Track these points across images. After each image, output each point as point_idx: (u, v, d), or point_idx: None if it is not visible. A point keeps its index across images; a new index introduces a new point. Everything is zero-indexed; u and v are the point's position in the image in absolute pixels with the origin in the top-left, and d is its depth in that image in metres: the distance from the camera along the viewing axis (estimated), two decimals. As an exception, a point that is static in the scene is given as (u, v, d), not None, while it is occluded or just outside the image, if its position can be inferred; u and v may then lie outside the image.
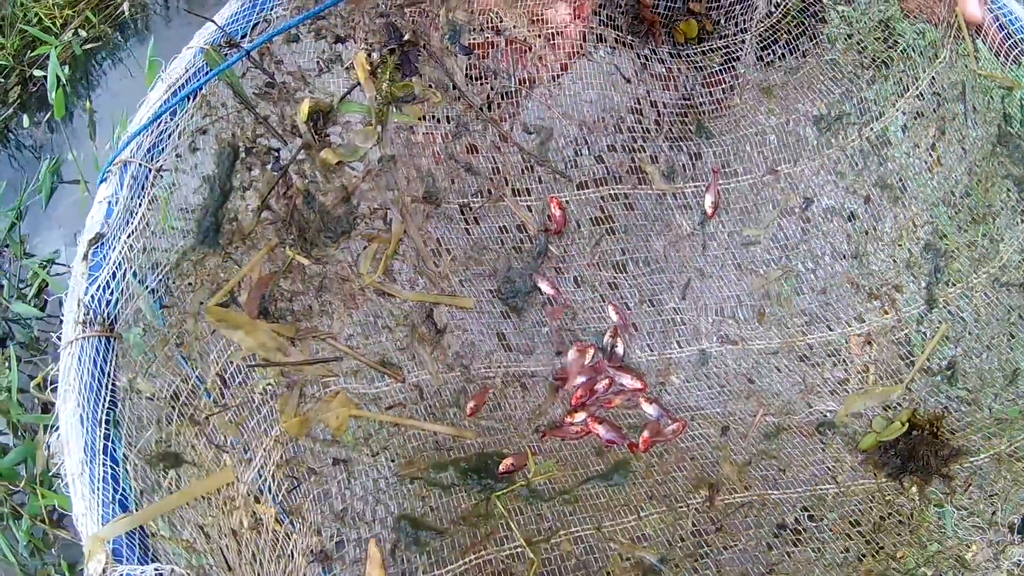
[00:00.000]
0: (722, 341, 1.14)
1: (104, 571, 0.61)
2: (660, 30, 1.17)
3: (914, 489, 0.96)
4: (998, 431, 0.97)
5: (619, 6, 1.14)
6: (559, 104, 1.16)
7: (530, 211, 1.14)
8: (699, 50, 1.20)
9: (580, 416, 1.04)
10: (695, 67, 1.20)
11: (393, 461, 0.94)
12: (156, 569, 0.62)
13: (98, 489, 0.66)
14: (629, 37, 1.17)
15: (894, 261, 1.14)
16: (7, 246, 2.28)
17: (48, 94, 2.44)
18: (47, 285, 2.17)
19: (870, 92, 1.16)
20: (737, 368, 1.12)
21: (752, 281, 1.17)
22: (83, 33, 2.59)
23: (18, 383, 1.94)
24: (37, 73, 2.52)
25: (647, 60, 1.18)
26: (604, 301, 1.16)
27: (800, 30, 1.18)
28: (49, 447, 0.72)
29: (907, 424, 0.99)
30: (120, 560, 0.62)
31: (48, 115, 2.45)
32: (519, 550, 0.87)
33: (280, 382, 0.90)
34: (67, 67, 2.56)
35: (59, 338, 0.74)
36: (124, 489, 0.67)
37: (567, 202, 1.15)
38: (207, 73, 0.86)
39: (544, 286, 1.12)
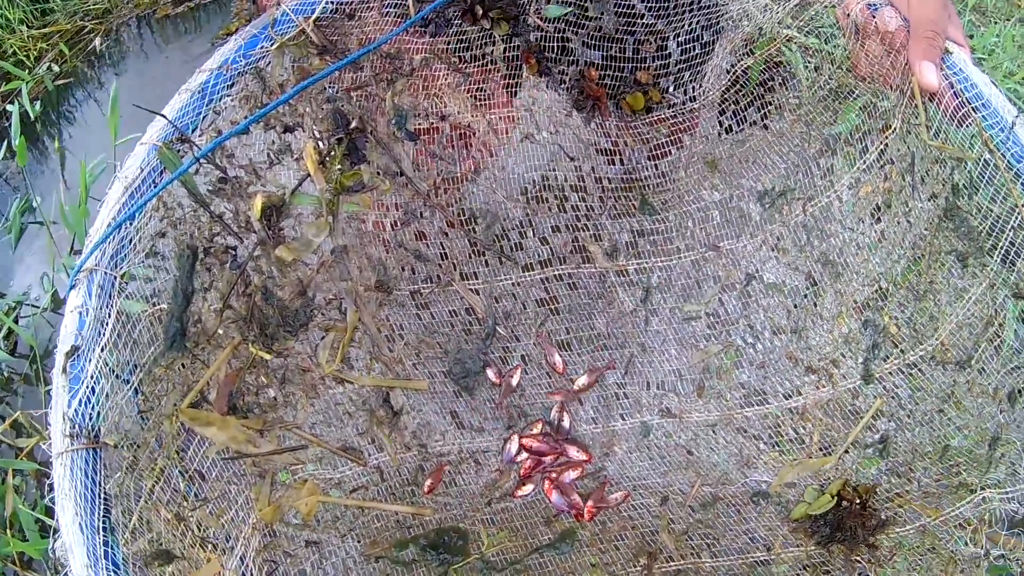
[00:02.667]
0: (663, 414, 1.21)
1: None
2: (606, 103, 1.23)
3: (839, 557, 1.02)
4: (925, 504, 1.02)
5: (562, 83, 1.20)
6: (504, 187, 1.22)
7: (478, 294, 1.21)
8: (646, 120, 1.24)
9: (528, 488, 1.13)
10: (641, 139, 1.25)
11: (359, 541, 1.02)
12: None
13: (104, 592, 0.71)
14: (575, 113, 1.22)
15: (833, 336, 1.18)
16: (-26, 288, 2.25)
17: (12, 140, 2.46)
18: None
19: (815, 166, 1.20)
20: (677, 440, 1.19)
21: (692, 356, 1.23)
22: (56, 68, 2.62)
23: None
24: (8, 107, 2.52)
25: (593, 134, 1.23)
26: (550, 377, 1.23)
27: (748, 100, 1.22)
28: (54, 552, 0.76)
29: (836, 496, 1.05)
30: None
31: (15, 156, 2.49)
32: None
33: (253, 471, 0.97)
34: (39, 102, 2.61)
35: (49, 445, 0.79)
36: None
37: (515, 284, 1.23)
38: (161, 171, 0.91)
39: (490, 374, 1.20)
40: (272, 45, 0.98)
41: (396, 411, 1.13)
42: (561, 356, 1.23)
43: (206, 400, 0.95)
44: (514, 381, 1.21)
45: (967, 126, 0.99)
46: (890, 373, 1.13)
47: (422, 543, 1.03)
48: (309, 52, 1.02)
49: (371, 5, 1.06)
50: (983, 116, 0.97)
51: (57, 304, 2.29)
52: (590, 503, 1.11)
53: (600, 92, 1.21)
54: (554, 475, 1.14)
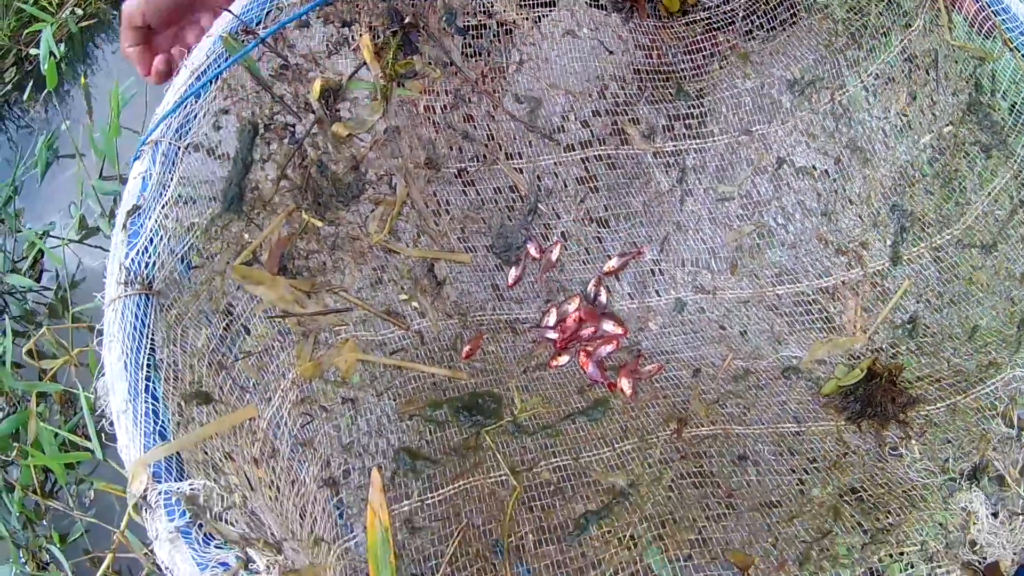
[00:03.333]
0: (697, 290, 1.24)
1: (145, 490, 0.71)
2: (644, 4, 1.26)
3: (871, 432, 1.03)
4: (955, 383, 1.03)
5: None
6: (547, 76, 1.25)
7: (521, 173, 1.25)
8: (682, 22, 1.27)
9: (564, 359, 1.16)
10: (677, 38, 1.27)
11: (395, 400, 1.06)
12: (190, 485, 0.72)
13: (140, 423, 0.75)
14: (614, 14, 1.25)
15: (861, 219, 1.20)
16: (2, 220, 2.35)
17: (41, 66, 2.48)
18: (42, 256, 2.23)
19: (842, 58, 1.22)
20: (710, 315, 1.22)
21: (726, 235, 1.26)
22: (79, 11, 2.60)
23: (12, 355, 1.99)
24: (33, 52, 2.55)
25: (632, 32, 1.26)
26: (588, 253, 1.26)
27: (778, 0, 1.24)
28: (96, 391, 0.80)
29: (867, 372, 1.06)
30: (159, 480, 0.72)
31: (44, 92, 2.51)
32: (504, 478, 0.99)
33: (297, 331, 1.01)
34: (63, 45, 2.61)
35: (102, 296, 0.83)
36: (163, 422, 0.77)
37: (557, 164, 1.26)
38: (227, 59, 0.95)
39: (531, 248, 1.23)
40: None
41: (440, 281, 1.17)
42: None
43: (258, 261, 0.99)
44: (554, 256, 1.24)
45: (985, 32, 1.02)
46: (918, 256, 1.14)
47: (456, 405, 1.06)
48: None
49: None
50: (1003, 20, 1.00)
51: (84, 230, 2.30)
52: (624, 377, 1.13)
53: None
54: (590, 348, 1.17)
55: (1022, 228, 1.05)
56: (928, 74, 1.14)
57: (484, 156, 1.23)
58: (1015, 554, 0.84)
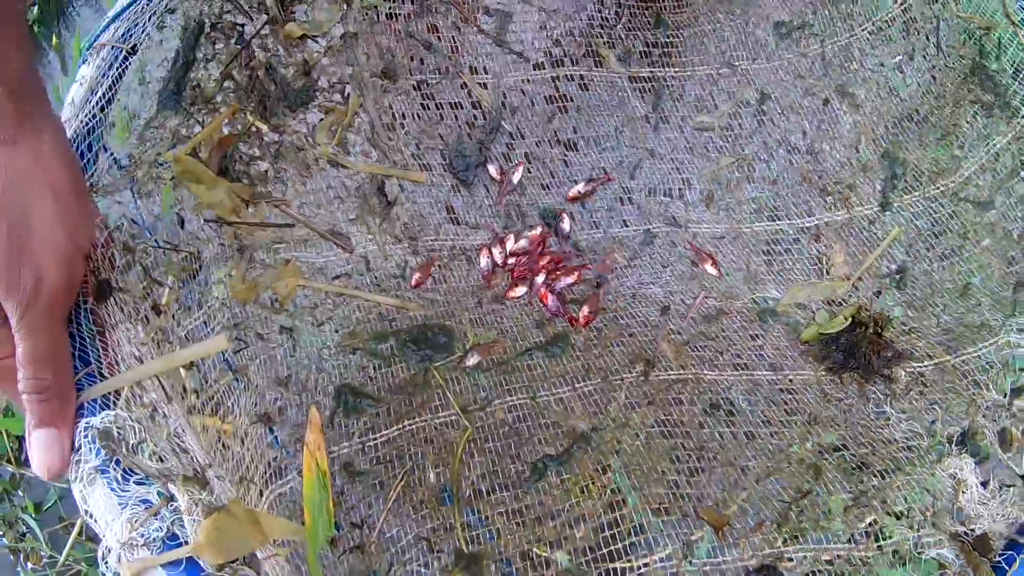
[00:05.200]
0: (668, 223, 1.18)
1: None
2: None
3: (854, 386, 0.98)
4: (945, 341, 1.00)
5: None
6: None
7: (485, 88, 1.17)
8: None
9: (520, 290, 1.08)
10: None
11: (337, 332, 0.98)
12: (103, 418, 0.68)
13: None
14: None
15: (850, 162, 1.18)
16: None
17: None
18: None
19: (835, 10, 1.20)
20: (681, 251, 1.15)
21: (703, 165, 1.21)
22: None
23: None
24: None
25: None
26: (553, 177, 1.19)
27: None
28: None
29: (851, 320, 1.01)
30: (82, 415, 0.69)
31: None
32: (454, 418, 0.91)
33: (232, 245, 0.93)
34: (35, 8, 2.55)
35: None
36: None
37: (525, 80, 1.19)
38: None
39: (491, 169, 1.16)
40: None
41: (390, 201, 1.08)
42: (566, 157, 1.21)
43: (197, 158, 0.92)
44: (515, 178, 1.16)
45: None
46: (910, 204, 1.13)
47: (404, 338, 0.97)
48: None
49: None
50: None
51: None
52: (586, 309, 1.06)
53: None
54: (550, 279, 1.09)
55: (1021, 189, 1.04)
56: (928, 39, 1.13)
57: (447, 68, 1.16)
58: (1006, 527, 0.81)
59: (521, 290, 1.08)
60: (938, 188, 1.11)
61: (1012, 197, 1.06)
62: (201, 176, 0.90)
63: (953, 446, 0.88)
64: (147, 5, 0.89)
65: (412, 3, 1.13)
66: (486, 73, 1.19)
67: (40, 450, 0.67)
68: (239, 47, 0.98)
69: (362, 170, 1.06)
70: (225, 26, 0.97)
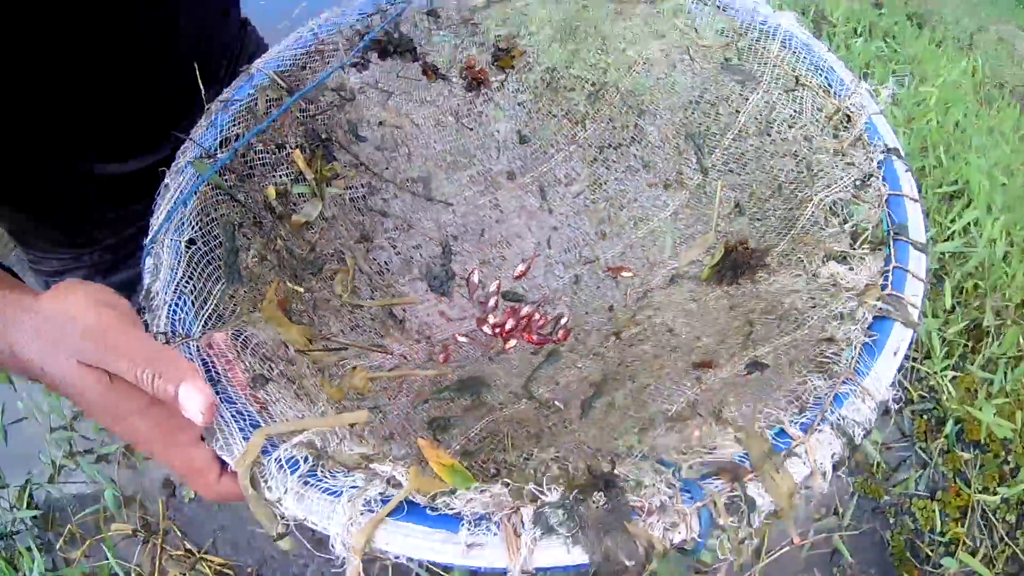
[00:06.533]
0: (585, 262, 1.53)
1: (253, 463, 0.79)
2: (490, 85, 1.60)
3: (748, 284, 1.24)
4: (783, 226, 1.26)
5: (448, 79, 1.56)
6: (432, 158, 1.58)
7: (436, 229, 1.55)
8: None
9: (512, 342, 1.42)
10: None
11: (407, 397, 1.25)
12: (304, 438, 0.82)
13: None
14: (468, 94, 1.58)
15: (670, 156, 1.50)
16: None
17: None
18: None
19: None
20: (601, 275, 1.51)
21: (590, 217, 1.56)
22: None
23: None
24: None
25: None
26: (500, 270, 1.54)
27: None
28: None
29: (725, 250, 1.31)
30: (267, 453, 0.80)
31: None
32: (513, 408, 1.24)
33: (313, 367, 1.17)
34: None
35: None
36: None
37: (456, 215, 1.57)
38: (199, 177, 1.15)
39: (457, 279, 1.51)
40: (254, 90, 1.29)
41: (400, 319, 1.41)
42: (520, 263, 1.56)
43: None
44: (476, 279, 1.51)
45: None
46: (718, 159, 1.44)
47: (454, 388, 1.27)
48: (281, 92, 1.34)
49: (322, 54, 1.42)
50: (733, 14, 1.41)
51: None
52: (560, 332, 1.43)
53: (484, 75, 1.58)
54: (527, 327, 1.45)
55: (782, 121, 1.33)
56: (682, 56, 1.47)
57: (402, 225, 1.50)
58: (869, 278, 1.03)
59: (513, 342, 1.41)
60: (728, 138, 1.39)
61: (776, 122, 1.33)
62: (281, 322, 1.15)
63: (828, 259, 1.12)
64: (185, 211, 1.10)
65: (363, 187, 1.44)
66: (428, 220, 1.53)
67: (188, 402, 0.76)
68: (262, 238, 1.22)
69: (373, 304, 1.36)
70: (248, 223, 1.21)
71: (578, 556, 0.71)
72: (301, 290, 1.27)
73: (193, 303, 1.03)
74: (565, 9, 1.57)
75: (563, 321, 1.45)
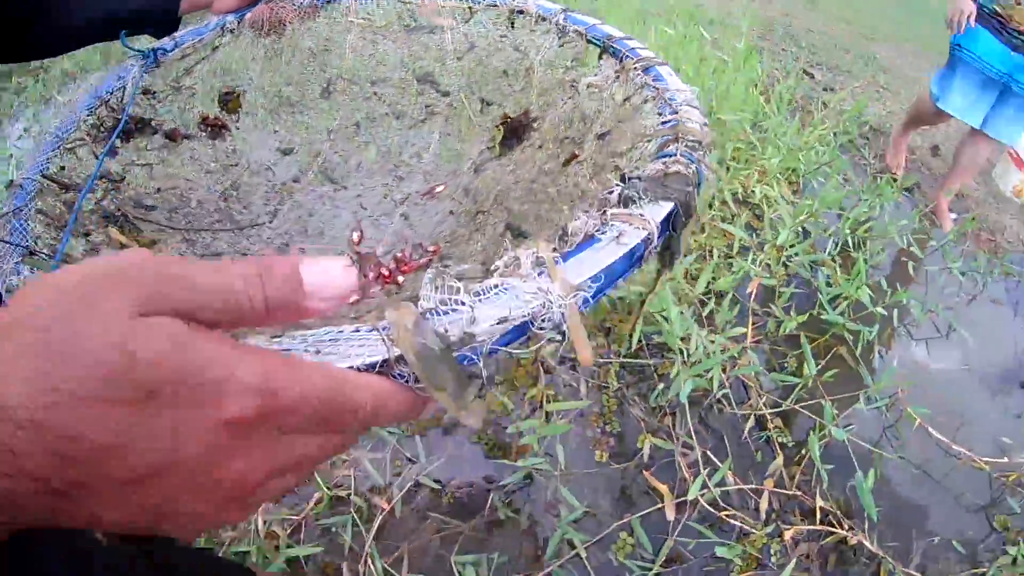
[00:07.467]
0: (401, 202, 1.57)
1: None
2: None
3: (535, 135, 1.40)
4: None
5: None
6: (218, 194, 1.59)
7: (266, 244, 1.56)
8: None
9: (401, 278, 1.48)
10: None
11: None
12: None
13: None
14: None
15: (412, 98, 1.67)
16: None
17: None
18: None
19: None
20: (422, 203, 1.57)
21: (380, 172, 1.64)
22: None
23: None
24: None
25: None
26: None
27: None
28: None
29: (502, 122, 1.48)
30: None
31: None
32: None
33: None
34: None
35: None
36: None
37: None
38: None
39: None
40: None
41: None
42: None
43: None
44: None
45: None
46: (455, 82, 1.64)
47: None
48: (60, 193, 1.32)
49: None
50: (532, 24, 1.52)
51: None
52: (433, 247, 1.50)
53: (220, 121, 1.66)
54: (400, 267, 1.50)
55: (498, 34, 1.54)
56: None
57: (238, 255, 1.46)
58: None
59: (401, 278, 1.49)
60: (453, 63, 1.59)
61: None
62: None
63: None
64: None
65: (183, 244, 1.41)
66: (255, 243, 1.50)
67: (329, 275, 0.60)
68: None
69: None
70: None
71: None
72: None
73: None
74: (255, 51, 1.69)
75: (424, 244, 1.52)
